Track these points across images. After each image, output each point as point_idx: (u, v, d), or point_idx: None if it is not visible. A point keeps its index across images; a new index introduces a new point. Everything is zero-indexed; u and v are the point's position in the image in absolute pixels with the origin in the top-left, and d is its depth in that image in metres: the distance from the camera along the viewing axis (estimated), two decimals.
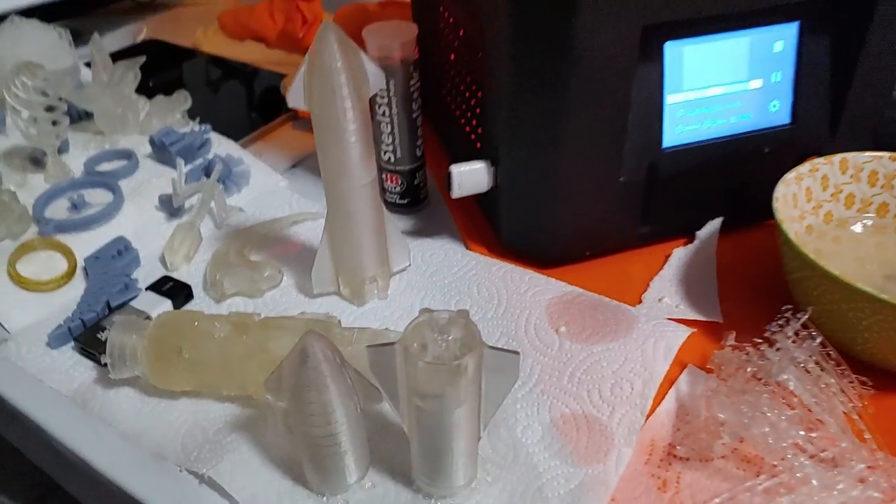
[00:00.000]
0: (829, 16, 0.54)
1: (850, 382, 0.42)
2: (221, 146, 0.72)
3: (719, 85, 0.53)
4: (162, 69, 0.90)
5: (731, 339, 0.45)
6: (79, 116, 0.77)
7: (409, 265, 0.57)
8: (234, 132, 0.74)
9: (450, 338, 0.34)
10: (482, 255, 0.58)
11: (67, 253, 0.58)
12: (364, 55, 0.44)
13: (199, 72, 0.91)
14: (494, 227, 0.60)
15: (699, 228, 0.58)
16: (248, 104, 0.84)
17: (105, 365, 0.45)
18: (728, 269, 0.56)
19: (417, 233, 0.62)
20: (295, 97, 0.43)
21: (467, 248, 0.59)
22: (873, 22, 0.52)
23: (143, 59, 0.72)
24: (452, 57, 0.63)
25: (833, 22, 0.54)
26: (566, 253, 0.57)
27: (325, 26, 0.42)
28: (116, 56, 0.74)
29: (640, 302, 0.53)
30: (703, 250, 0.56)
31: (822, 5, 0.53)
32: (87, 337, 0.50)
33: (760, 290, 0.53)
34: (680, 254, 0.56)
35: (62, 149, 0.71)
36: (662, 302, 0.52)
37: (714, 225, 0.58)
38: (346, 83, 0.43)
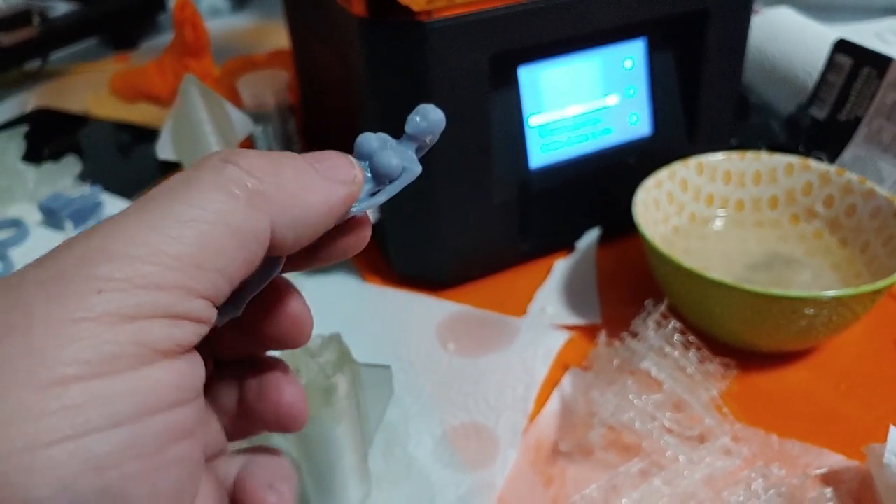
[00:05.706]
0: (671, 32, 0.58)
1: (713, 363, 0.45)
2: (115, 206, 0.72)
3: (578, 104, 0.57)
4: (54, 137, 0.90)
5: (602, 336, 0.48)
6: None
7: None
8: (132, 191, 0.75)
9: (322, 360, 0.36)
10: (377, 285, 0.60)
11: None
12: (227, 103, 0.46)
13: (92, 136, 0.91)
14: (385, 258, 0.62)
15: (578, 240, 0.61)
16: (142, 163, 0.85)
17: None
18: (609, 275, 0.59)
19: (312, 269, 0.63)
20: (163, 149, 0.45)
21: (363, 280, 0.61)
22: (708, 35, 0.57)
23: (24, 128, 0.72)
24: (331, 96, 0.66)
25: (676, 37, 0.59)
26: (455, 275, 0.59)
27: (187, 80, 0.44)
28: (3, 127, 0.74)
29: (526, 313, 0.55)
30: (583, 260, 0.60)
31: (663, 23, 0.57)
32: None
33: (639, 291, 0.56)
34: (561, 265, 0.59)
35: None
36: (546, 311, 0.55)
37: (592, 235, 0.61)
38: (213, 132, 0.44)
